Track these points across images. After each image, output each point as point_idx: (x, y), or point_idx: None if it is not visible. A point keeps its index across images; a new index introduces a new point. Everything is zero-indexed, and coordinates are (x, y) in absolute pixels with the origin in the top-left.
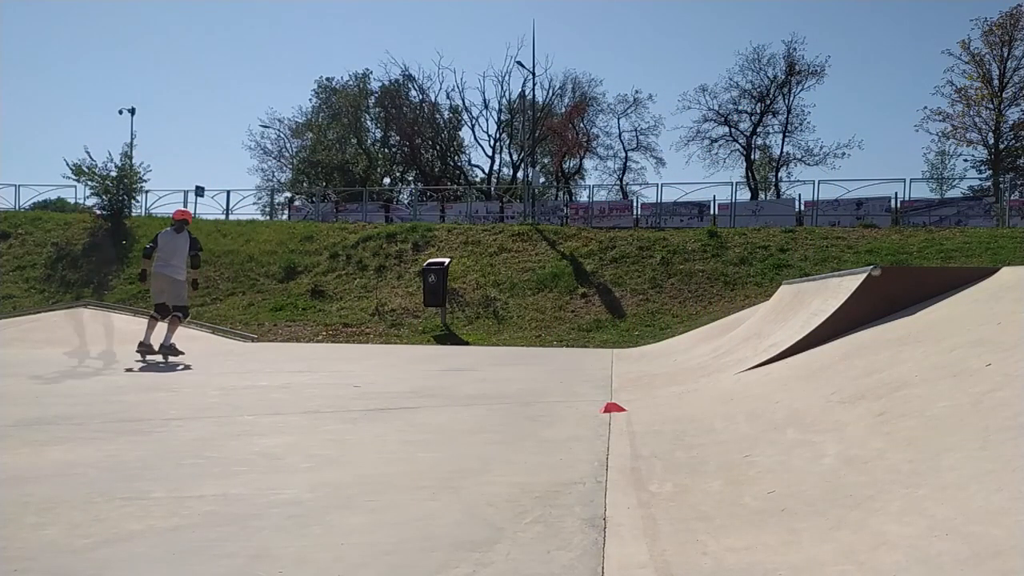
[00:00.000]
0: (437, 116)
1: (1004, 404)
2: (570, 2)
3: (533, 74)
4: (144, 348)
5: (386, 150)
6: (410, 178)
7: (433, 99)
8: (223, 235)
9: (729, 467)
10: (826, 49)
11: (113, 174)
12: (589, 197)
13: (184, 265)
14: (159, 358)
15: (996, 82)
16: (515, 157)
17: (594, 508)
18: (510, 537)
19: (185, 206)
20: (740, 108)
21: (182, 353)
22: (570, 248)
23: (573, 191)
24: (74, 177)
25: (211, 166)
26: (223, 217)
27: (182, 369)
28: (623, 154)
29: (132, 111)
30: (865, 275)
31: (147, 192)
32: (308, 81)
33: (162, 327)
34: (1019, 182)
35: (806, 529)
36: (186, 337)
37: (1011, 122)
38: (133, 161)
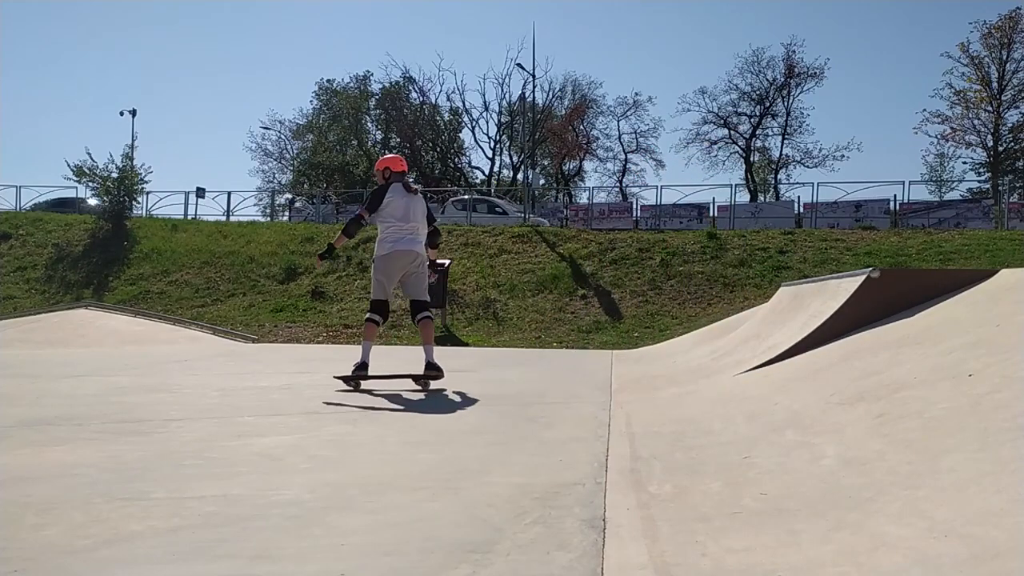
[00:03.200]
0: (437, 118)
1: (1003, 406)
2: (570, 4)
3: (533, 76)
4: (358, 372)
5: (387, 152)
6: (410, 180)
7: (433, 101)
8: (224, 236)
9: (728, 468)
10: (825, 51)
11: (114, 175)
12: (589, 199)
13: (424, 238)
14: (397, 383)
15: (995, 85)
16: (515, 159)
17: (593, 509)
18: (510, 538)
19: (186, 207)
20: (739, 110)
21: (441, 375)
22: (570, 250)
23: (573, 193)
24: (75, 178)
25: (212, 167)
26: (224, 218)
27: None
28: (623, 156)
29: (133, 113)
30: (864, 277)
31: (148, 193)
32: (309, 83)
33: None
34: (1018, 184)
35: (805, 530)
36: (187, 338)
37: (1010, 124)
38: (134, 162)
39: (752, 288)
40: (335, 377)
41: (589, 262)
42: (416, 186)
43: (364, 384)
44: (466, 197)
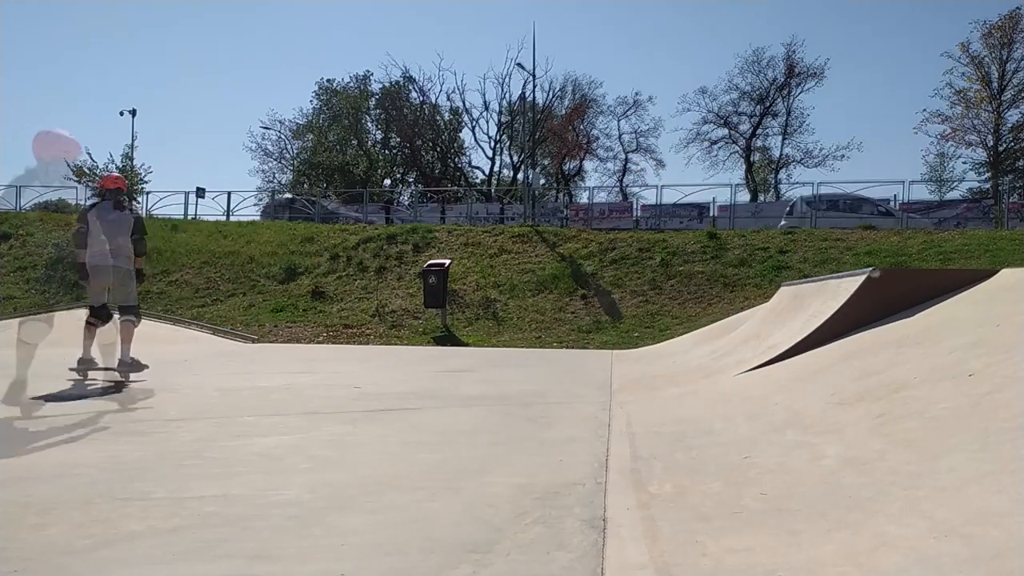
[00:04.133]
0: (437, 118)
1: (1003, 406)
2: (570, 4)
3: (533, 76)
4: (86, 364)
5: (387, 152)
6: (410, 179)
7: (434, 101)
8: (224, 236)
9: (729, 468)
10: (825, 51)
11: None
12: (589, 199)
13: (131, 252)
14: (109, 375)
15: (995, 84)
16: (515, 159)
17: (594, 509)
18: (510, 538)
19: (186, 207)
20: (740, 110)
21: (146, 367)
22: (570, 250)
23: (573, 193)
24: (75, 178)
25: (212, 167)
26: (224, 218)
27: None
28: (623, 156)
29: (133, 112)
30: (864, 277)
31: (148, 193)
32: (309, 83)
33: (105, 336)
34: (1018, 184)
35: (806, 530)
36: (187, 338)
37: (1010, 124)
38: (134, 162)
39: (752, 288)
40: (70, 369)
41: (589, 262)
42: (125, 201)
43: (363, 385)
44: (839, 191)
